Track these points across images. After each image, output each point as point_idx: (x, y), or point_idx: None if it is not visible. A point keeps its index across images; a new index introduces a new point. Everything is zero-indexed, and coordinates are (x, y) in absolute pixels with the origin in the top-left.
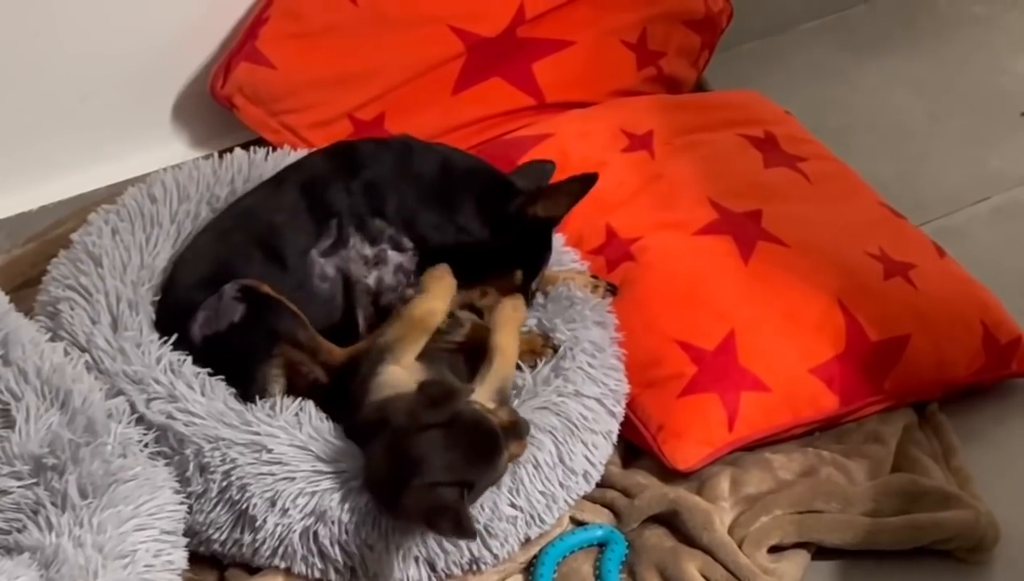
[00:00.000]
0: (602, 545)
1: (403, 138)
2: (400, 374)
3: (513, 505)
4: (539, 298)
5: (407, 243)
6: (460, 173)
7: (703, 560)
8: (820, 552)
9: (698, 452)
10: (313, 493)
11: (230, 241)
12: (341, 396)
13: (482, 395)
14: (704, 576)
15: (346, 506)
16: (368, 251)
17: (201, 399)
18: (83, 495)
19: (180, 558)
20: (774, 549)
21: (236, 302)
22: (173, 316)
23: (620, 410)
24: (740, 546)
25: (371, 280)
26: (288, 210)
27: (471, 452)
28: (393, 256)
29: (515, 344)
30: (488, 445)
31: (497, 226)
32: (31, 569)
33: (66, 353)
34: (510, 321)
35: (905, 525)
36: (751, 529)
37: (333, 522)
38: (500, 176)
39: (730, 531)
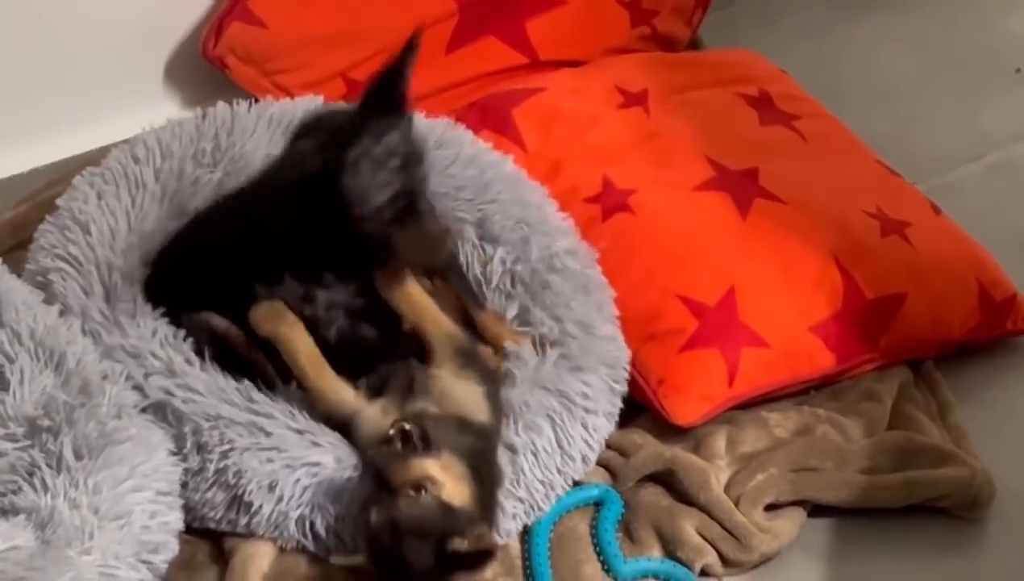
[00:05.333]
0: (598, 504)
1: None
2: (371, 415)
3: (514, 497)
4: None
5: None
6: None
7: (699, 518)
8: (816, 510)
9: (698, 408)
10: (310, 485)
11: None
12: None
13: (446, 366)
14: (701, 534)
15: (344, 497)
16: None
17: (201, 375)
18: (78, 456)
19: (176, 518)
20: (770, 507)
21: (211, 343)
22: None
23: (621, 386)
24: (736, 504)
25: None
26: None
27: None
28: None
29: (419, 294)
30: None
31: None
32: (27, 531)
33: (60, 314)
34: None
35: (901, 482)
36: (747, 487)
37: (330, 512)
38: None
39: (726, 490)
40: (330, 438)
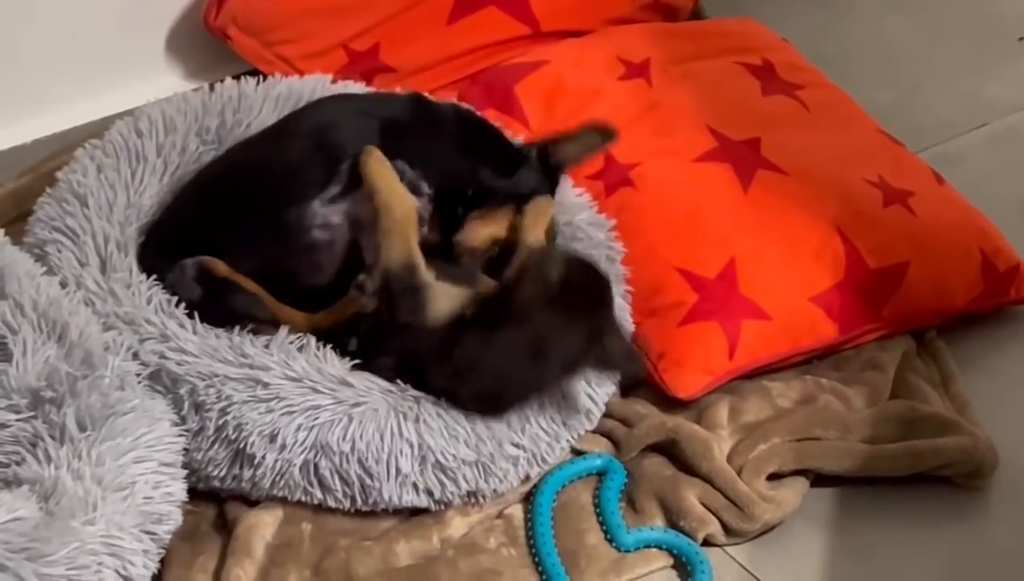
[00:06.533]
0: (601, 474)
1: (411, 93)
2: (442, 288)
3: (516, 444)
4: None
5: (425, 188)
6: (475, 123)
7: (702, 488)
8: (819, 479)
9: (699, 380)
10: (312, 427)
11: (217, 200)
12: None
13: None
14: (703, 504)
15: (346, 437)
16: None
17: (193, 337)
18: (81, 428)
19: (179, 489)
20: (773, 477)
21: (194, 282)
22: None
23: None
24: (739, 474)
25: None
26: (291, 162)
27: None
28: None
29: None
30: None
31: (517, 166)
32: (30, 501)
33: (62, 286)
34: (541, 217)
35: (904, 451)
36: (750, 457)
37: (334, 453)
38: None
39: (729, 459)
40: (329, 383)
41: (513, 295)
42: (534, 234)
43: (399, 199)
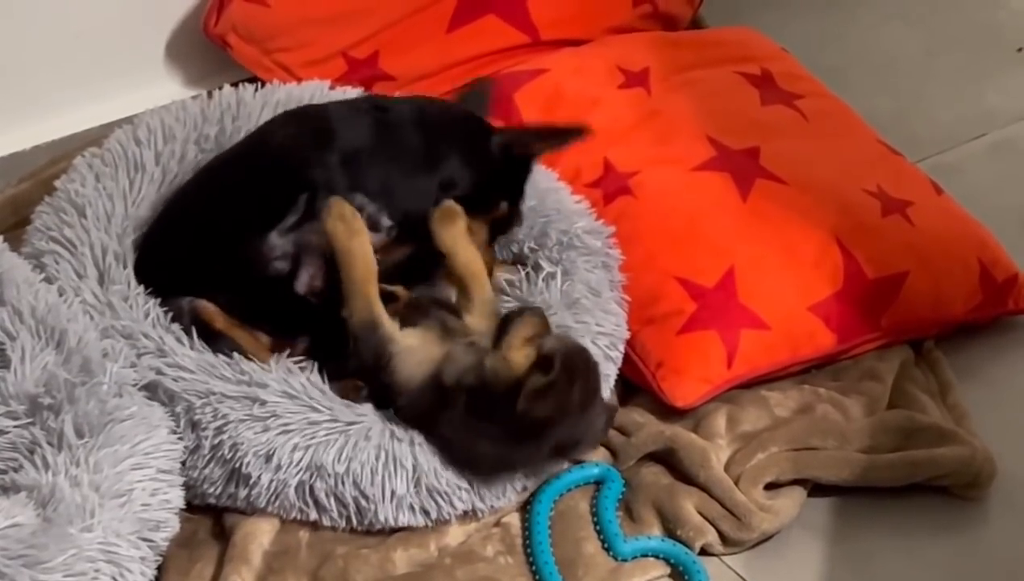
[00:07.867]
0: (599, 483)
1: (368, 98)
2: (413, 345)
3: None
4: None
5: (385, 221)
6: (437, 126)
7: (700, 497)
8: (816, 489)
9: (697, 389)
10: (308, 447)
11: (181, 235)
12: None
13: (481, 324)
14: (701, 513)
15: (342, 458)
16: None
17: (191, 353)
18: (79, 434)
19: (177, 497)
20: (771, 486)
21: (191, 325)
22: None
23: (617, 354)
24: (737, 483)
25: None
26: (250, 191)
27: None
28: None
29: (474, 256)
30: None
31: (482, 170)
32: (28, 508)
33: (60, 293)
34: (457, 237)
35: (901, 461)
36: (747, 466)
37: (329, 475)
38: (473, 118)
39: (726, 468)
40: (326, 400)
41: (525, 411)
42: (462, 254)
43: (359, 259)
